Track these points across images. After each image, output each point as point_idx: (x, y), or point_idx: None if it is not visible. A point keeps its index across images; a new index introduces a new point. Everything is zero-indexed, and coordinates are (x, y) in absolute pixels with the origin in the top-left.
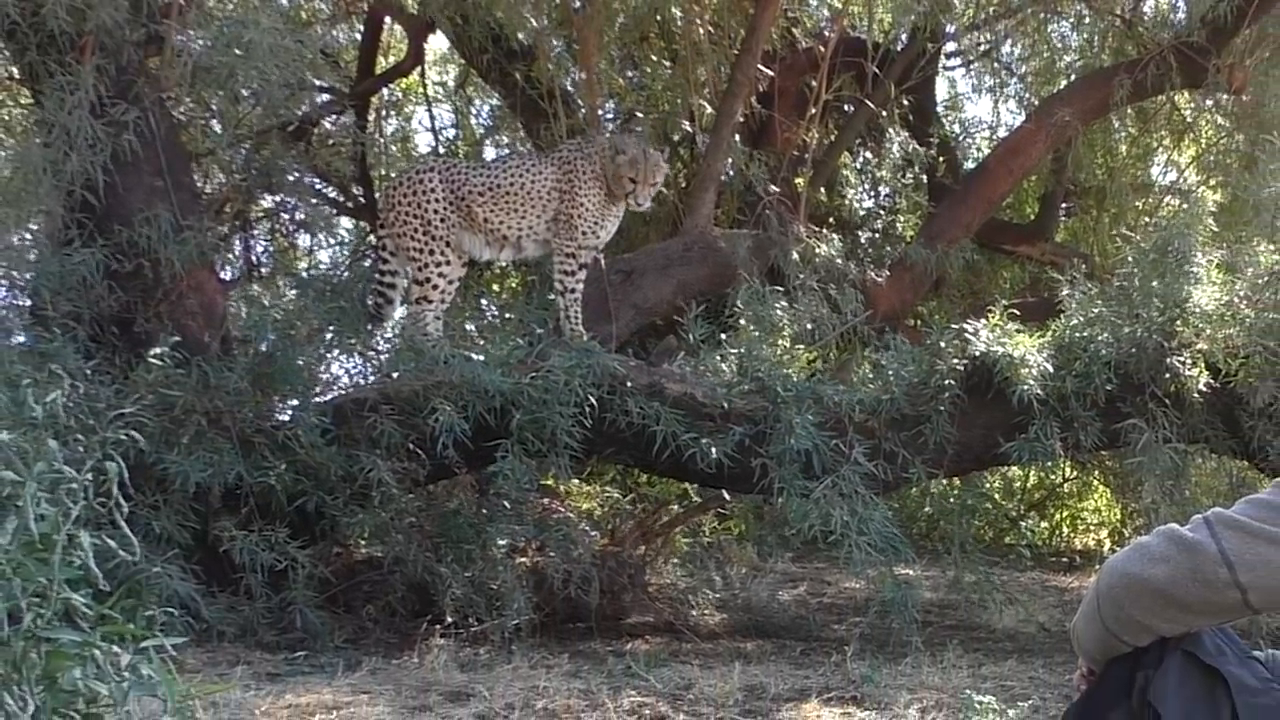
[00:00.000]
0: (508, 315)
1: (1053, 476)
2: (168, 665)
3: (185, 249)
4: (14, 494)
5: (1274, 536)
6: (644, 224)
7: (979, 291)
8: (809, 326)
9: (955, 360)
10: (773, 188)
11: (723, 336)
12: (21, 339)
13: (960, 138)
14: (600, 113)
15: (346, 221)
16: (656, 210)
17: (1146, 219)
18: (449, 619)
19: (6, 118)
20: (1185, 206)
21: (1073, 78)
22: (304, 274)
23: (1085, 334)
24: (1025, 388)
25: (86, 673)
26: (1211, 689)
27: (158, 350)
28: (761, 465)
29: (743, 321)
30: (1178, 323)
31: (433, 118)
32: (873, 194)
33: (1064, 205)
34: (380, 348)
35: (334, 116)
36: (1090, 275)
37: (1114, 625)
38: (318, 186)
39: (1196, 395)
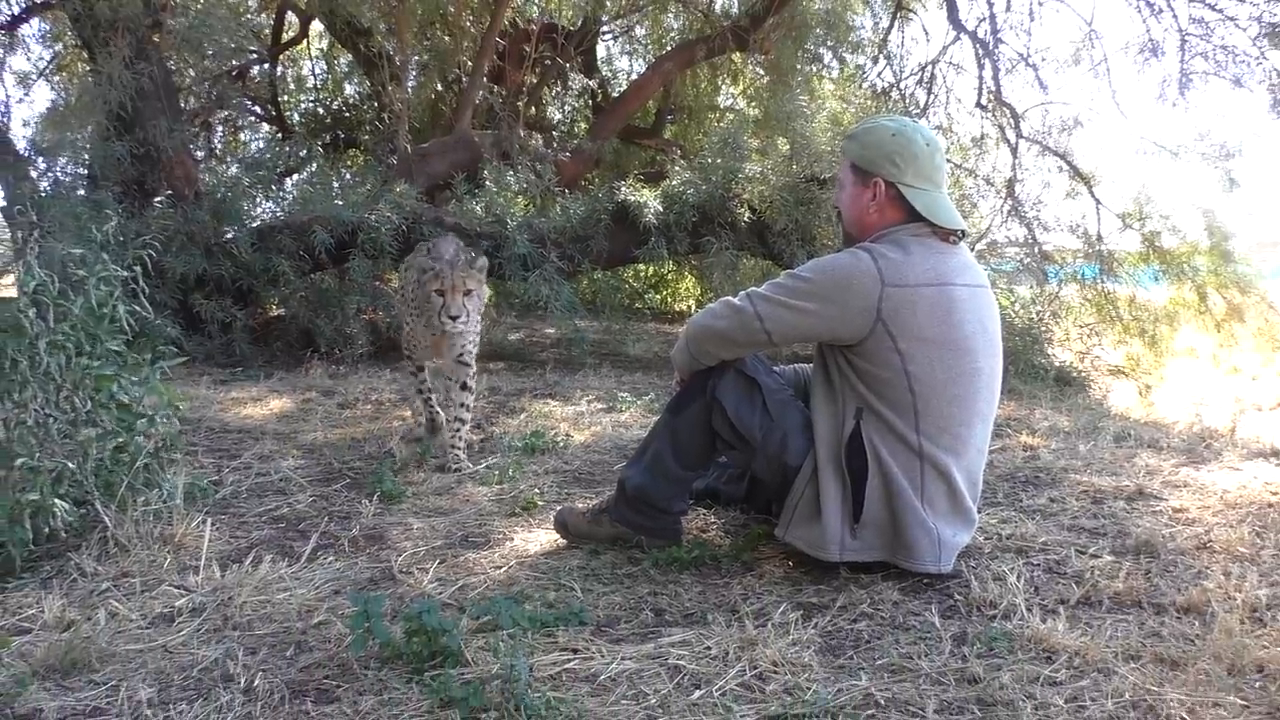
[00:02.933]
0: (357, 177)
1: (662, 269)
2: (164, 377)
3: (175, 142)
4: (81, 283)
5: (783, 302)
6: (433, 127)
7: (621, 166)
8: (524, 186)
9: (607, 204)
10: (504, 107)
11: (477, 191)
12: (82, 193)
13: (611, 79)
14: (409, 64)
15: (266, 127)
16: (438, 120)
17: (716, 124)
18: (322, 350)
19: (74, 68)
20: (736, 118)
21: (673, 45)
22: (241, 157)
23: (680, 189)
24: (647, 219)
25: (121, 386)
26: (751, 389)
27: (159, 199)
28: (499, 263)
29: (488, 184)
30: (733, 183)
31: (314, 69)
32: (561, 111)
33: (669, 116)
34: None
35: (258, 66)
36: (684, 157)
37: (696, 353)
38: (250, 107)
39: (744, 224)
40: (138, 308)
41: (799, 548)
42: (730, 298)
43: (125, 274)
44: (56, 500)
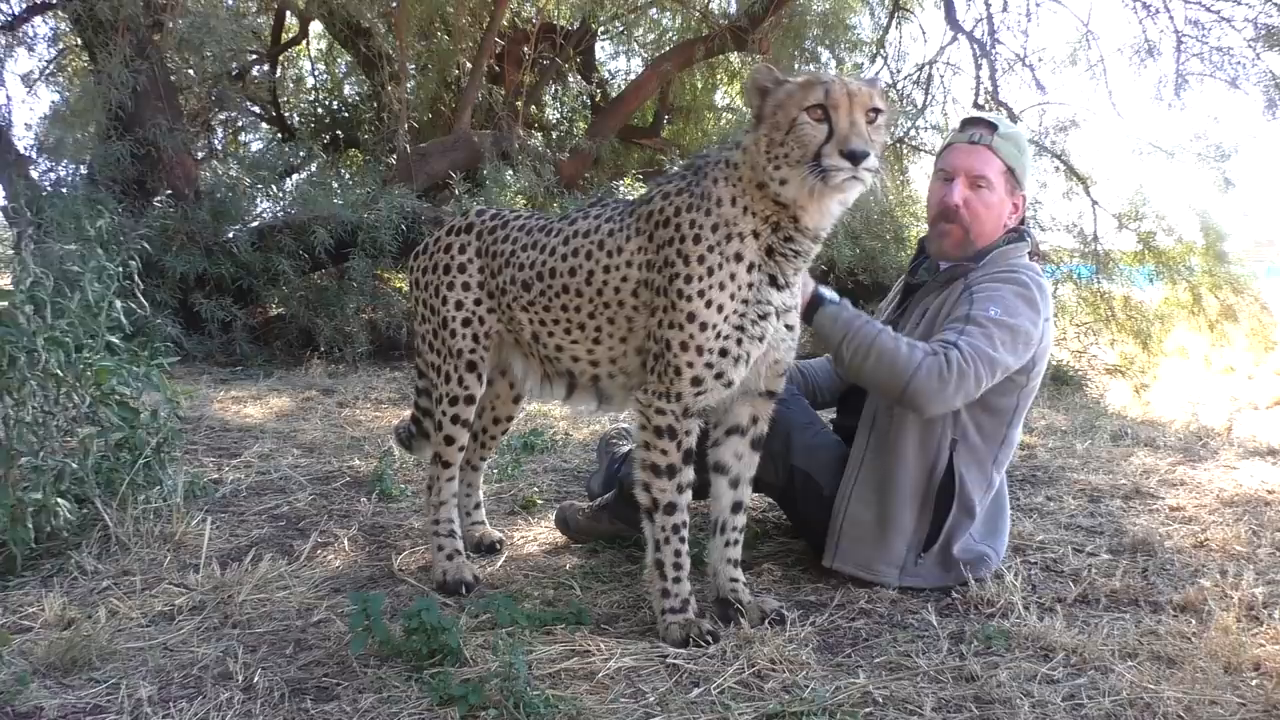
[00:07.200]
0: (356, 177)
1: None
2: (164, 375)
3: (174, 142)
4: (77, 279)
5: (1001, 360)
6: (432, 126)
7: (619, 165)
8: (524, 186)
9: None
10: (503, 107)
11: (476, 191)
12: (82, 192)
13: (609, 78)
14: (408, 64)
15: (266, 127)
16: (437, 119)
17: (713, 124)
18: (322, 349)
19: (75, 67)
20: (734, 118)
21: (671, 44)
22: (242, 157)
23: None
24: None
25: (120, 381)
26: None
27: (159, 198)
28: None
29: (488, 183)
30: None
31: (314, 69)
32: (560, 111)
33: (667, 116)
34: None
35: (258, 67)
36: (682, 156)
37: (879, 388)
38: (249, 107)
39: None
40: (134, 305)
41: (851, 573)
42: (945, 356)
43: (119, 269)
44: (59, 499)
